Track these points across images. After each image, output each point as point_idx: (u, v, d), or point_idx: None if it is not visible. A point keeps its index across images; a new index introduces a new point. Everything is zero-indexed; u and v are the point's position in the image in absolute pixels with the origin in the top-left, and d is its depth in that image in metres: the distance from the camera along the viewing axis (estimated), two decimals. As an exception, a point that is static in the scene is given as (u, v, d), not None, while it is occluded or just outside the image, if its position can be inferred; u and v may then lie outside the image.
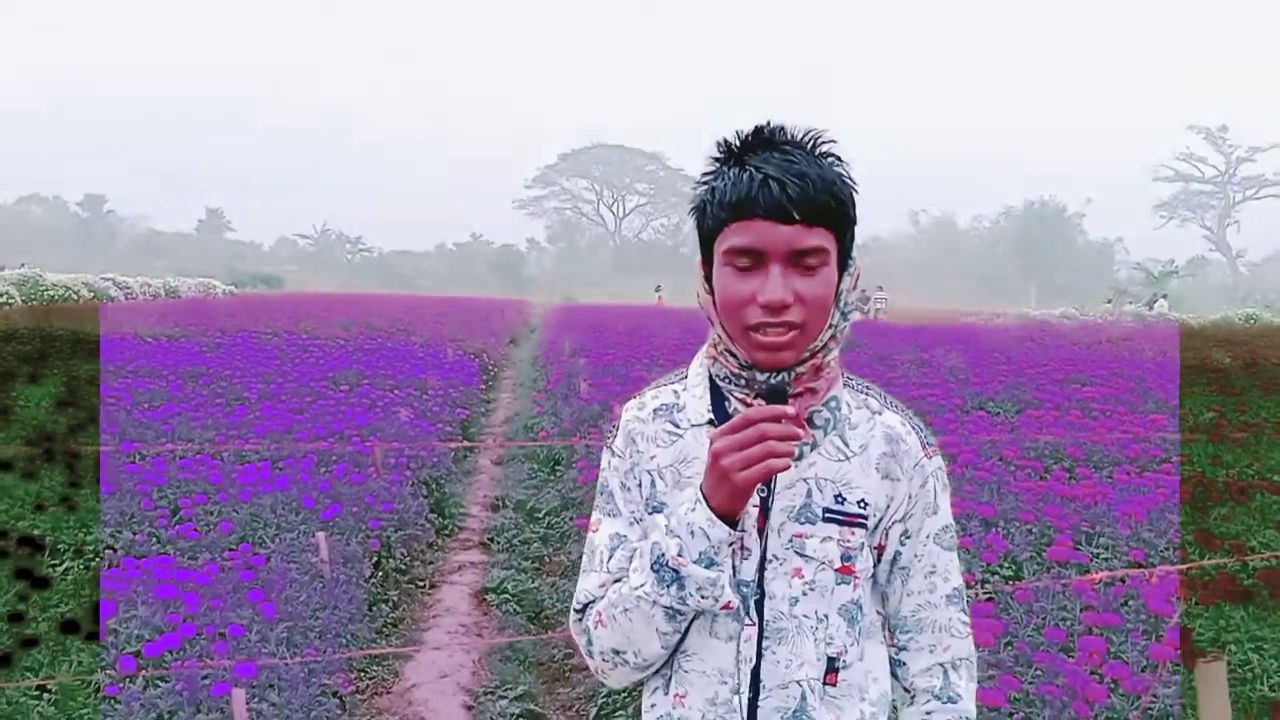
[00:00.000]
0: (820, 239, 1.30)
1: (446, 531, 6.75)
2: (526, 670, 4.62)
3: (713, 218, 1.34)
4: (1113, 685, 3.37)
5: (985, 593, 4.27)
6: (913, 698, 1.47)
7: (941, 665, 1.45)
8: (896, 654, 1.48)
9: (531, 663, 4.72)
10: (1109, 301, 39.52)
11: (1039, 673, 3.47)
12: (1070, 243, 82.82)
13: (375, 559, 5.39)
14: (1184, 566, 4.44)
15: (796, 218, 1.28)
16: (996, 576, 4.58)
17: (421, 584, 5.75)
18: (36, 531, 5.22)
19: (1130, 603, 4.06)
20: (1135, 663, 3.55)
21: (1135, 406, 9.38)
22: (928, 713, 1.45)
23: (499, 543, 6.55)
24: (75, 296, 26.92)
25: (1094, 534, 5.12)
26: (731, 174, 1.32)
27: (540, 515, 6.96)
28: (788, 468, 1.27)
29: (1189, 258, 71.67)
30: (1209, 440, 7.72)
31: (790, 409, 1.28)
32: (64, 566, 4.89)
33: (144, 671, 3.68)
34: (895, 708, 1.50)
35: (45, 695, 3.66)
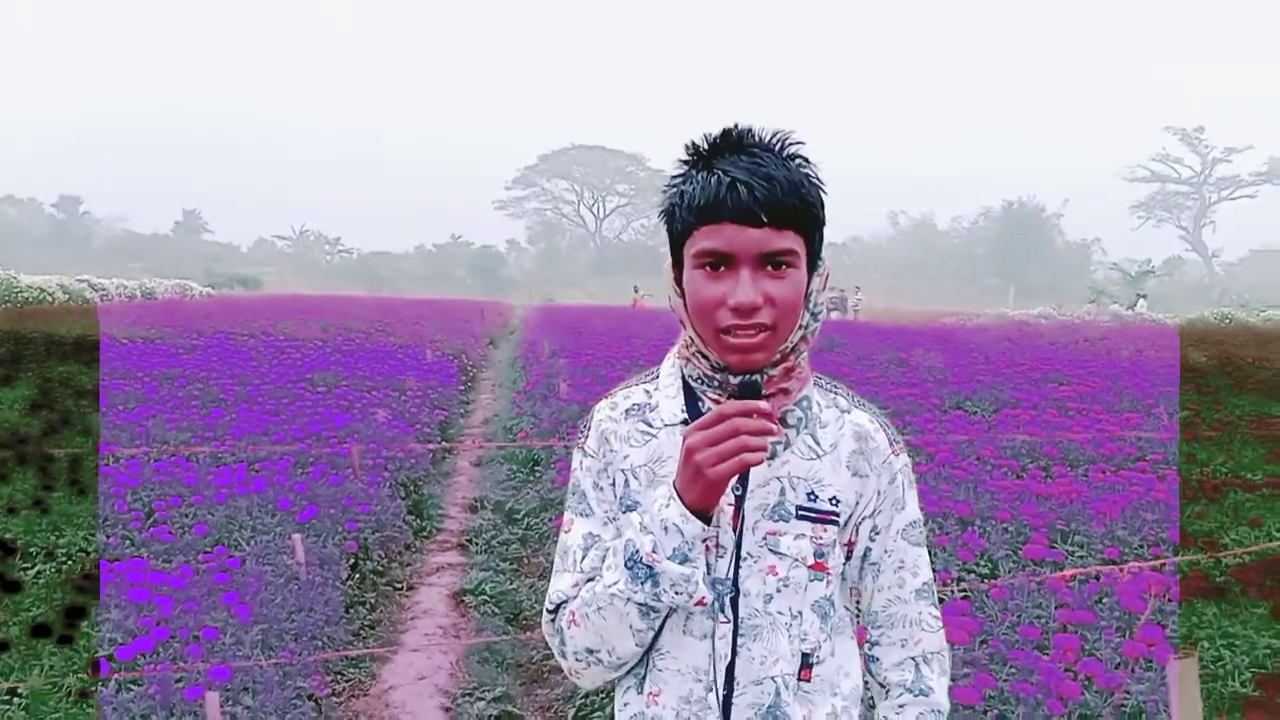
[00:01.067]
0: (789, 241, 1.30)
1: (424, 533, 6.73)
2: (505, 672, 4.61)
3: (681, 221, 1.34)
4: (1087, 682, 3.39)
5: (961, 591, 4.28)
6: (886, 692, 1.48)
7: (913, 659, 1.47)
8: (869, 649, 1.49)
9: (510, 664, 4.71)
10: (1092, 302, 39.53)
11: (1014, 670, 3.48)
12: (1048, 243, 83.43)
13: (352, 561, 5.37)
14: (1157, 562, 4.48)
15: (765, 220, 1.28)
16: (973, 575, 4.60)
17: (399, 586, 5.72)
18: (8, 535, 5.18)
19: (1104, 600, 4.09)
20: (1109, 660, 3.57)
21: (1111, 405, 9.44)
22: (900, 706, 1.47)
23: (477, 544, 6.53)
24: (50, 298, 26.70)
25: (1069, 532, 5.15)
26: (700, 177, 1.32)
27: (519, 516, 6.94)
28: (761, 462, 1.28)
29: (1165, 258, 72.34)
30: (1184, 439, 7.79)
31: (764, 404, 1.29)
32: (35, 570, 4.84)
33: (116, 675, 3.65)
34: (868, 702, 1.50)
35: (16, 699, 3.62)
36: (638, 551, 1.31)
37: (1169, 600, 4.07)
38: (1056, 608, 4.00)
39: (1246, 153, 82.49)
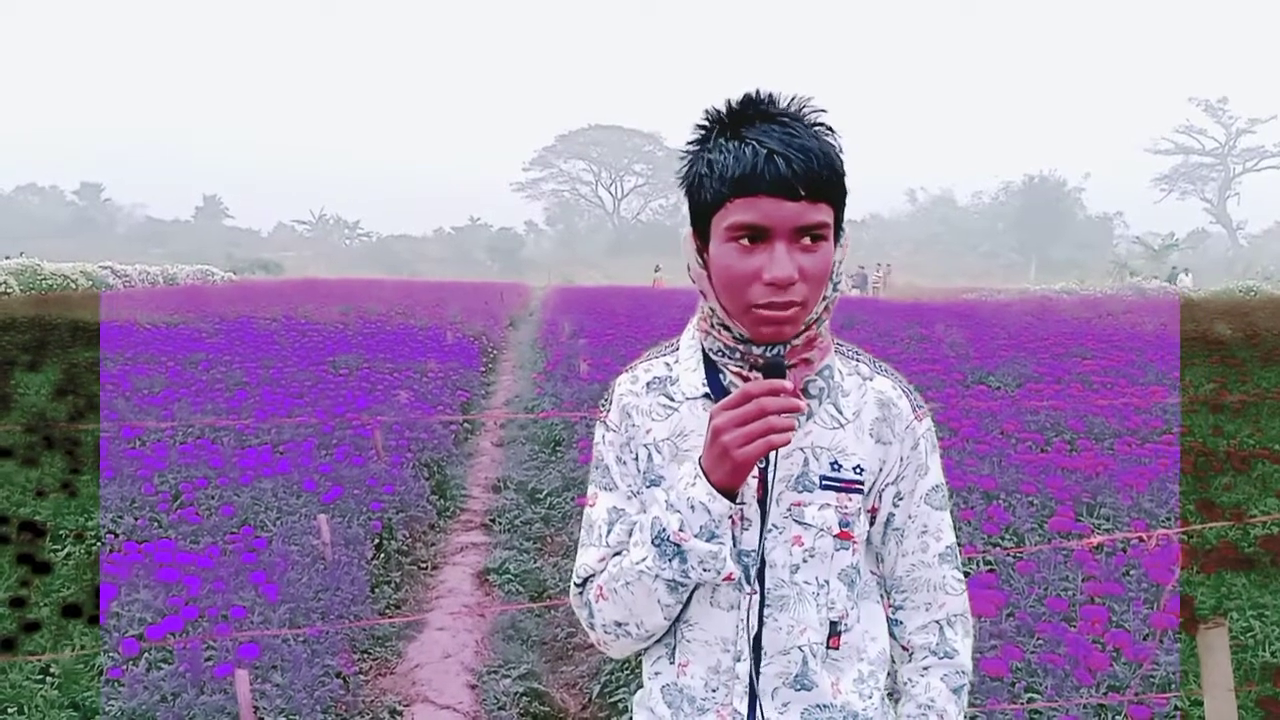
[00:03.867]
0: (823, 214, 1.28)
1: (448, 513, 6.76)
2: (529, 649, 4.63)
3: (712, 192, 1.31)
4: (1114, 654, 3.38)
5: (987, 563, 4.27)
6: (910, 655, 1.48)
7: (937, 622, 1.47)
8: (893, 613, 1.50)
9: (534, 642, 4.73)
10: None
11: (1041, 642, 3.47)
12: (1070, 217, 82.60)
13: (377, 541, 5.40)
14: (1184, 530, 4.45)
15: (802, 194, 1.26)
16: (998, 548, 4.58)
17: (424, 565, 5.75)
18: (38, 517, 5.23)
19: (1131, 572, 4.07)
20: (1137, 631, 3.55)
21: (1135, 379, 9.38)
22: (925, 668, 1.47)
23: (500, 524, 6.56)
24: (73, 285, 26.91)
25: (1095, 505, 5.12)
26: (730, 146, 1.29)
27: (541, 496, 6.97)
28: (788, 443, 1.27)
29: (1189, 230, 71.61)
30: (1210, 411, 7.72)
31: (788, 383, 1.27)
32: (65, 551, 4.89)
33: (147, 654, 3.69)
34: (892, 675, 1.50)
35: (48, 679, 3.67)
36: (665, 530, 1.31)
37: (1197, 571, 4.04)
38: (1083, 580, 3.99)
39: (1271, 123, 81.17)
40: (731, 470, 1.28)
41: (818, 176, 1.26)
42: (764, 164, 1.26)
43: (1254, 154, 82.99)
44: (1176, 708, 3.16)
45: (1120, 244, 71.99)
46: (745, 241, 1.29)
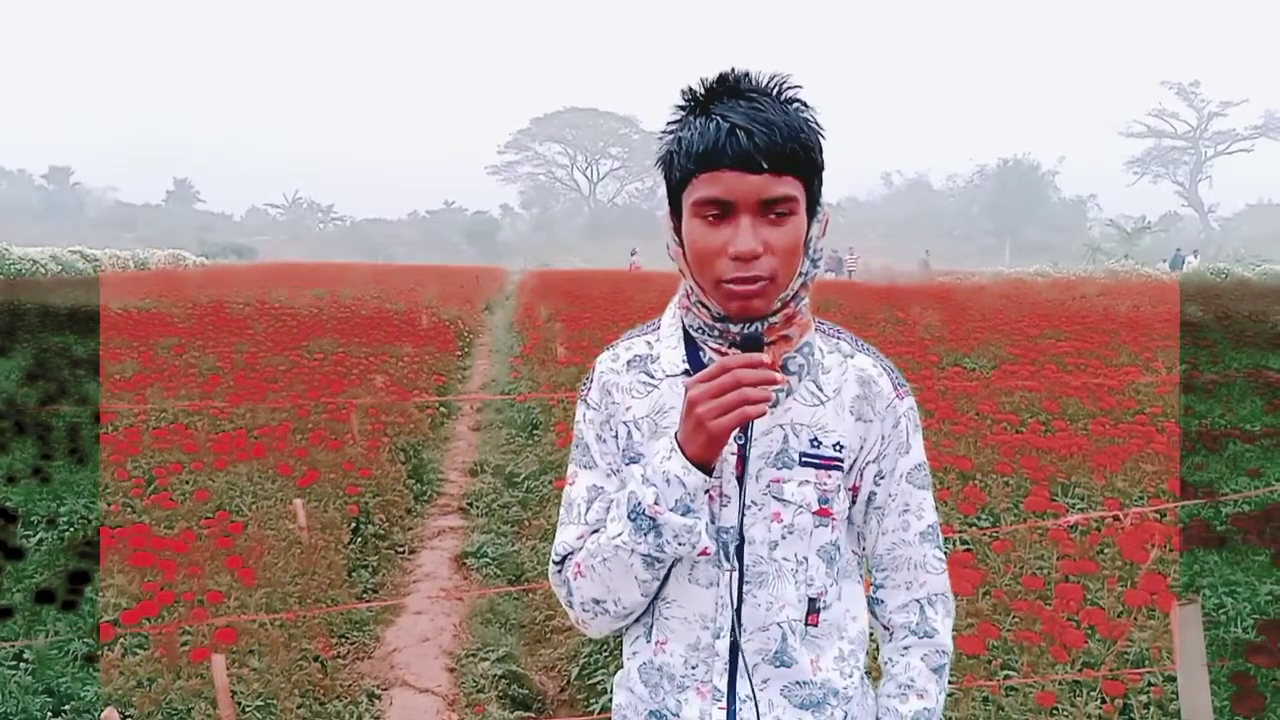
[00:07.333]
0: (789, 188, 1.28)
1: (425, 497, 6.74)
2: (508, 632, 4.63)
3: (680, 169, 1.32)
4: (1090, 630, 3.41)
5: (964, 542, 4.30)
6: (891, 634, 1.49)
7: (918, 601, 1.47)
8: (874, 592, 1.50)
9: (513, 625, 4.73)
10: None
11: (1017, 620, 3.50)
12: (1044, 200, 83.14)
13: (353, 525, 5.38)
14: (1157, 508, 4.49)
15: (765, 167, 1.26)
16: (974, 528, 4.61)
17: (401, 549, 5.74)
18: (9, 503, 5.18)
19: (1106, 550, 4.11)
20: (1111, 608, 3.59)
21: (1109, 360, 9.45)
22: (905, 648, 1.47)
23: (478, 507, 6.54)
24: (43, 270, 26.62)
25: (1070, 485, 5.17)
26: (698, 124, 1.30)
27: (519, 479, 6.96)
28: (763, 414, 1.27)
29: (1161, 213, 72.18)
30: (1183, 392, 7.80)
31: (765, 356, 1.27)
32: (37, 538, 4.84)
33: (122, 639, 3.66)
34: (872, 653, 1.50)
35: (22, 664, 3.63)
36: (640, 503, 1.31)
37: (1169, 549, 4.08)
38: (1058, 558, 4.02)
39: (1242, 106, 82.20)
40: (706, 442, 1.27)
41: (781, 149, 1.26)
42: (725, 138, 1.26)
43: (1225, 137, 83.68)
44: (1150, 683, 3.19)
45: (1094, 227, 72.44)
46: (711, 216, 1.30)
